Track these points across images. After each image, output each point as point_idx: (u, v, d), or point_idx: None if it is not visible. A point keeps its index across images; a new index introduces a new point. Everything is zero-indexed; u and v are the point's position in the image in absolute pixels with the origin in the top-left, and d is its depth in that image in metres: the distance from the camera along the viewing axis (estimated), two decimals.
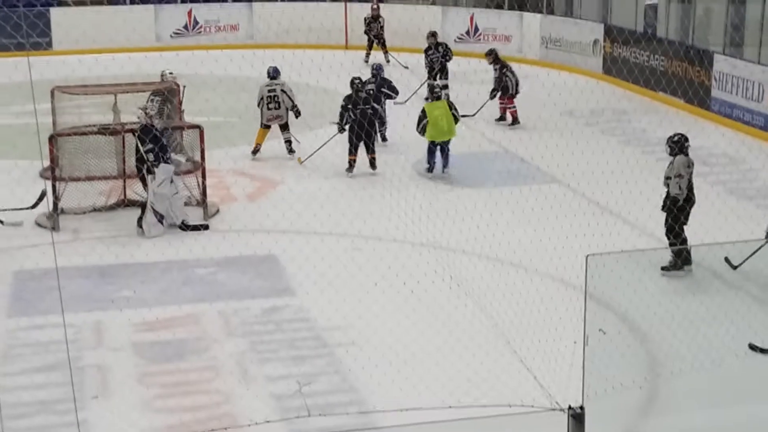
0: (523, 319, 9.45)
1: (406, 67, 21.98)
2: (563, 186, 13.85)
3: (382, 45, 23.45)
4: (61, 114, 14.51)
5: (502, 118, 17.85)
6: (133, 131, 12.36)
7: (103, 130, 13.09)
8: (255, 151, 15.63)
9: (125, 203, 13.15)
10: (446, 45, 19.79)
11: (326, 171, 14.82)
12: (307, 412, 8.06)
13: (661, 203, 10.85)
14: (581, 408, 7.39)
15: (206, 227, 12.45)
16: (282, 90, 15.36)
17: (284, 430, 8.02)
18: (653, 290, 10.14)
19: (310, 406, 8.13)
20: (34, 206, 12.65)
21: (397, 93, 16.41)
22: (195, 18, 25.72)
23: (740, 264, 10.63)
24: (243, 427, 7.68)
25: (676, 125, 14.73)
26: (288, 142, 15.60)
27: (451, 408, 8.10)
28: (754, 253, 10.46)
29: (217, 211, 13.03)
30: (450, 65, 19.34)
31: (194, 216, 12.66)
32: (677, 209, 10.66)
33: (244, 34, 25.89)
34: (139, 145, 12.09)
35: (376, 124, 15.19)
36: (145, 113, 12.41)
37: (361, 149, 14.67)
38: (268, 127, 15.55)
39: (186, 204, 12.80)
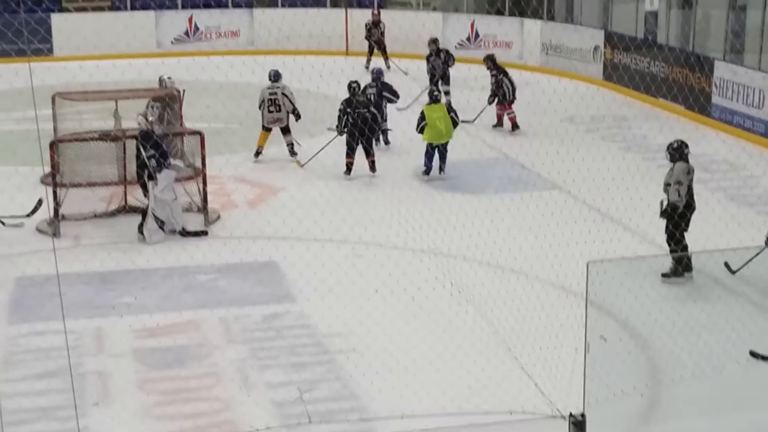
0: (524, 325, 9.45)
1: (406, 73, 22.01)
2: (564, 192, 13.85)
3: (383, 51, 23.47)
4: (62, 120, 14.52)
5: (498, 124, 17.84)
6: (135, 137, 12.36)
7: (104, 136, 13.11)
8: (257, 153, 15.74)
9: (126, 209, 13.14)
10: (447, 51, 19.83)
11: (326, 176, 14.83)
12: (308, 419, 8.07)
13: (661, 211, 10.79)
14: (582, 415, 7.38)
15: (205, 233, 12.46)
16: (283, 93, 15.46)
17: None
18: (654, 297, 10.14)
19: (311, 413, 8.14)
20: (30, 215, 12.66)
21: (397, 97, 16.49)
22: (196, 24, 25.74)
23: (739, 269, 10.64)
24: None
25: (677, 132, 14.73)
26: (290, 144, 15.70)
27: (452, 415, 8.11)
28: (753, 258, 10.46)
29: (218, 217, 13.04)
30: (451, 71, 19.38)
31: (195, 222, 12.67)
32: (678, 216, 10.66)
33: (244, 40, 25.91)
34: (142, 150, 12.08)
35: (376, 128, 15.26)
36: (146, 119, 12.42)
37: (361, 153, 14.71)
38: (269, 129, 15.65)
39: (187, 210, 12.81)
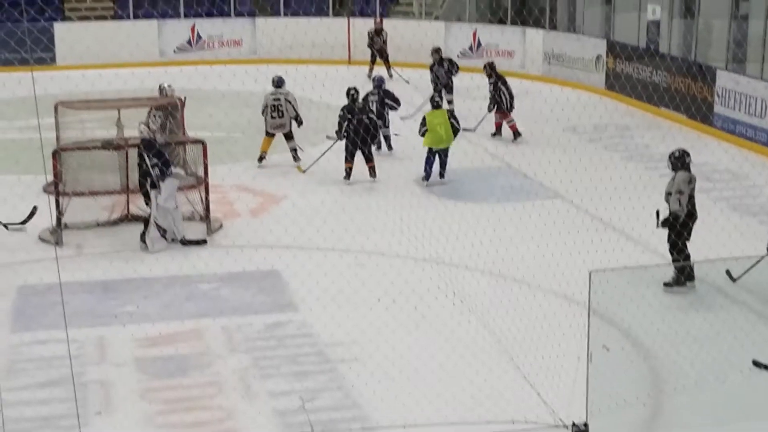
0: (527, 335, 9.44)
1: (408, 82, 22.04)
2: (566, 202, 13.85)
3: (385, 60, 23.51)
4: (65, 129, 14.50)
5: (497, 133, 17.84)
6: (138, 146, 12.37)
7: (107, 145, 13.12)
8: (260, 159, 15.81)
9: (128, 218, 13.15)
10: (451, 60, 19.89)
11: (328, 183, 14.86)
12: (310, 428, 8.06)
13: (662, 220, 10.73)
14: (585, 425, 7.39)
15: (205, 242, 12.45)
16: (286, 99, 15.56)
17: None
18: (657, 306, 10.12)
19: (313, 422, 8.13)
20: (24, 222, 12.68)
21: (399, 104, 16.60)
22: (198, 33, 25.78)
23: (740, 276, 10.64)
24: None
25: (679, 141, 14.74)
26: (293, 150, 15.80)
27: (455, 425, 8.10)
28: (754, 266, 10.46)
29: (220, 226, 13.04)
30: (453, 80, 19.41)
31: (197, 231, 12.67)
32: (680, 225, 10.65)
33: (247, 49, 25.95)
34: (146, 159, 12.08)
35: (376, 134, 15.33)
36: (148, 128, 12.43)
37: (361, 159, 14.77)
38: (273, 135, 15.74)
39: (189, 219, 12.82)
